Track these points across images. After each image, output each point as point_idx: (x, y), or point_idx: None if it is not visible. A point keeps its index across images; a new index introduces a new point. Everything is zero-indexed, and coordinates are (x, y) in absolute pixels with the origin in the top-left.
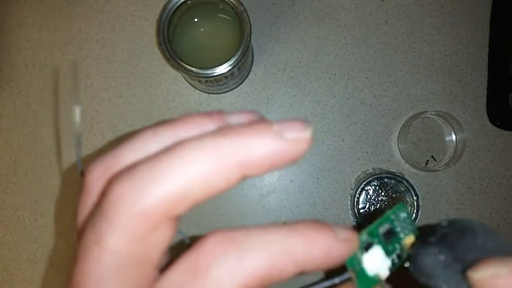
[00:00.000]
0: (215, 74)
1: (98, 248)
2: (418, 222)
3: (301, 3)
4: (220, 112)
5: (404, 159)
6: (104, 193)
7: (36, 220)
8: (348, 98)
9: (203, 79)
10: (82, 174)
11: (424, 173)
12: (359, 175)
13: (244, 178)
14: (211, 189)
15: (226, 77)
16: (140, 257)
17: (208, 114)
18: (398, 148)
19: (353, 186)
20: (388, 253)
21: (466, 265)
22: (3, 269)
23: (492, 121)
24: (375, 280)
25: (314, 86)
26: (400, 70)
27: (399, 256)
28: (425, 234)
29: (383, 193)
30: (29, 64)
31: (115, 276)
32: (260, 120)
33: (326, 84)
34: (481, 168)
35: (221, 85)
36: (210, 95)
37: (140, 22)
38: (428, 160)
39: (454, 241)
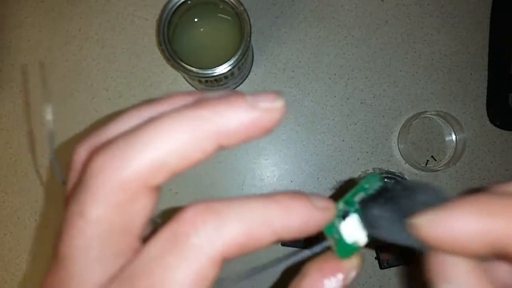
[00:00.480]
0: (215, 74)
1: (81, 219)
2: None
3: (301, 3)
4: (201, 91)
5: (404, 159)
6: (85, 167)
7: (36, 220)
8: (348, 98)
9: (203, 79)
10: (64, 183)
11: (424, 173)
12: (359, 175)
13: (221, 148)
14: (187, 158)
15: (226, 77)
16: (122, 227)
17: (189, 92)
18: (398, 148)
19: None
20: None
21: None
22: (3, 269)
23: (492, 121)
24: (354, 247)
25: (314, 86)
26: (400, 70)
27: None
28: (374, 194)
29: None
30: (29, 64)
31: (98, 246)
32: (235, 92)
33: (326, 84)
34: (481, 168)
35: (221, 85)
36: None
37: (140, 22)
38: (428, 160)
39: (399, 198)
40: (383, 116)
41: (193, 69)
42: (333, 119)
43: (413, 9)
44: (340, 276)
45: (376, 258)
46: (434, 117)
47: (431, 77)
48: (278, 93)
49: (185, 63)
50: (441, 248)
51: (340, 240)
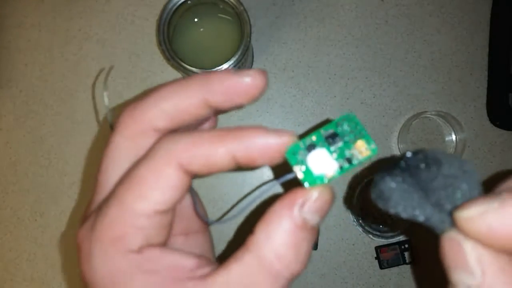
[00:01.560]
0: None
1: (109, 149)
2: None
3: (301, 3)
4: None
5: None
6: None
7: (36, 220)
8: (348, 98)
9: None
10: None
11: None
12: (358, 174)
13: (210, 107)
14: (184, 111)
15: None
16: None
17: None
18: (398, 148)
19: (353, 185)
20: (338, 155)
21: (429, 193)
22: (3, 269)
23: (492, 121)
24: (321, 178)
25: (314, 86)
26: (400, 70)
27: (348, 160)
28: (391, 165)
29: None
30: (29, 64)
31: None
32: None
33: (326, 84)
34: (481, 168)
35: None
36: None
37: (140, 22)
38: None
39: (417, 169)
40: (383, 116)
41: (193, 69)
42: (333, 119)
43: (413, 9)
44: (300, 201)
45: (376, 258)
46: (434, 117)
47: (431, 77)
48: (260, 70)
49: (185, 63)
50: (494, 244)
51: (307, 172)
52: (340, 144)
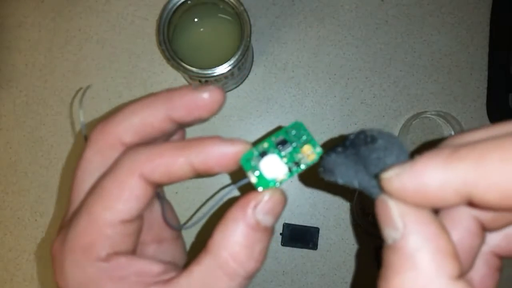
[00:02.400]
0: (215, 74)
1: (82, 161)
2: None
3: (301, 3)
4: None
5: None
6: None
7: (36, 220)
8: (348, 98)
9: (203, 79)
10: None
11: None
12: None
13: (174, 121)
14: (148, 124)
15: (226, 77)
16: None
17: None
18: None
19: None
20: (287, 160)
21: (367, 165)
22: (3, 269)
23: (492, 121)
24: (273, 182)
25: (314, 86)
26: (400, 70)
27: (297, 163)
28: (336, 144)
29: None
30: (29, 64)
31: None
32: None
33: (326, 84)
34: None
35: (221, 85)
36: None
37: (140, 22)
38: None
39: (358, 146)
40: (383, 116)
41: (193, 69)
42: (333, 119)
43: (413, 9)
44: (253, 203)
45: (375, 258)
46: (434, 117)
47: (431, 77)
48: (218, 86)
49: (185, 63)
50: (410, 201)
51: (261, 177)
52: (289, 149)
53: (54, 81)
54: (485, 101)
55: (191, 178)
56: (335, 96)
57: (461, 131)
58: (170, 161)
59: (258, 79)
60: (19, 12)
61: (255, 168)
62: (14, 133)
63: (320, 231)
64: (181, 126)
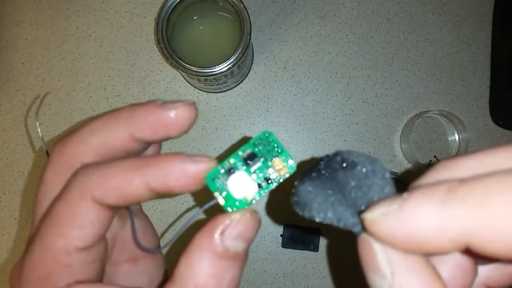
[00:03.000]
0: (214, 72)
1: (42, 184)
2: None
3: (302, 0)
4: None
5: (406, 159)
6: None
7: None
8: (349, 97)
9: (202, 78)
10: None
11: None
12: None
13: (139, 141)
14: (109, 144)
15: (225, 76)
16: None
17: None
18: (401, 147)
19: None
20: (257, 176)
21: (346, 196)
22: (1, 270)
23: (495, 120)
24: (243, 202)
25: (315, 85)
26: (402, 69)
27: (267, 179)
28: (311, 168)
29: None
30: (26, 63)
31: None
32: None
33: (327, 82)
34: None
35: (221, 83)
36: (209, 94)
37: (138, 20)
38: (431, 161)
39: (334, 171)
40: (385, 116)
41: (192, 67)
42: (334, 119)
43: (415, 7)
44: (220, 228)
45: None
46: (437, 116)
47: (433, 76)
48: (187, 101)
49: (184, 61)
50: (398, 248)
51: (229, 196)
52: (259, 164)
53: (52, 80)
54: (488, 101)
55: (151, 199)
56: (336, 95)
57: (463, 129)
58: (124, 183)
59: (258, 77)
60: (17, 11)
61: (222, 187)
62: (11, 132)
63: (321, 233)
64: (149, 144)
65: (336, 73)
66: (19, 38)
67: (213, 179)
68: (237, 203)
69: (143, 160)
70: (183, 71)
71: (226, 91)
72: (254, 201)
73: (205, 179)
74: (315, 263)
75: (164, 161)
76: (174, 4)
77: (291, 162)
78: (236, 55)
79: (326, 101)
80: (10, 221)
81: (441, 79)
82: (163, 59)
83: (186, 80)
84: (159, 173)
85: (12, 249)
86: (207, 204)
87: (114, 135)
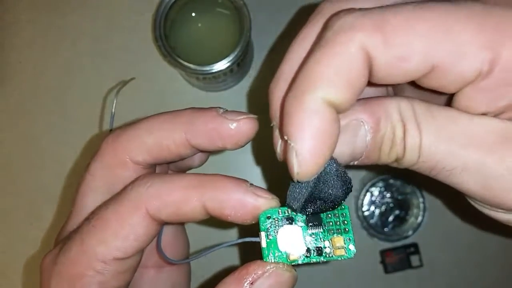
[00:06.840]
0: (213, 71)
1: (88, 175)
2: (425, 224)
3: None
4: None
5: None
6: None
7: (31, 224)
8: None
9: (200, 76)
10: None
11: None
12: (364, 176)
13: (193, 147)
14: (164, 143)
15: (225, 74)
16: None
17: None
18: None
19: (357, 187)
20: (311, 240)
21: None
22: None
23: None
24: (283, 258)
25: None
26: None
27: (319, 250)
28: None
29: (388, 195)
30: (23, 61)
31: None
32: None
33: None
34: None
35: (220, 82)
36: (209, 92)
37: (136, 18)
38: None
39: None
40: None
41: (191, 65)
42: None
43: None
44: (252, 277)
45: (381, 262)
46: None
47: None
48: (249, 114)
49: (182, 59)
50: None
51: (273, 242)
52: (319, 230)
53: (48, 78)
54: None
55: (200, 220)
56: None
57: None
58: (182, 200)
59: (259, 75)
60: (14, 9)
61: (271, 231)
62: (7, 132)
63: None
64: (201, 151)
65: None
66: (15, 37)
67: (267, 218)
68: (277, 254)
69: (203, 179)
70: (181, 69)
71: (225, 89)
72: (294, 264)
73: (260, 214)
74: (317, 265)
75: (226, 186)
76: (172, 1)
77: (352, 247)
78: (236, 53)
79: None
80: (7, 223)
81: None
82: (161, 57)
83: (184, 79)
84: (218, 197)
85: (9, 251)
86: (248, 238)
87: (170, 137)
